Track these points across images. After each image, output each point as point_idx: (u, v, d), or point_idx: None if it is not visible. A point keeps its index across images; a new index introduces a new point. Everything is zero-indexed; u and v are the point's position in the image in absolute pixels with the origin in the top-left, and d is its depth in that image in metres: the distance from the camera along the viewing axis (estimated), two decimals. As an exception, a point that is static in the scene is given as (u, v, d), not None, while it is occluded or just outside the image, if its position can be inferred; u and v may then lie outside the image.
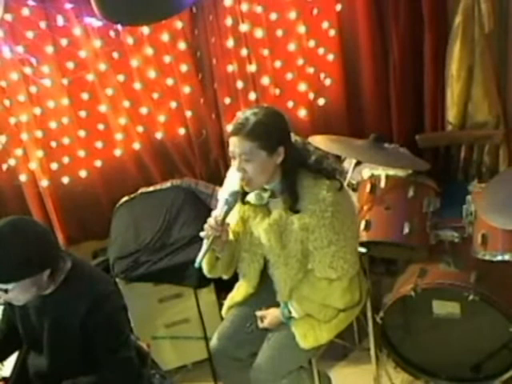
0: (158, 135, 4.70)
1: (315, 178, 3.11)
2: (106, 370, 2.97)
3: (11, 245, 2.77)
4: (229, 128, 3.12)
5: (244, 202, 3.24)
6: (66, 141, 4.55)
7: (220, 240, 3.15)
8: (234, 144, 3.04)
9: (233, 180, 3.22)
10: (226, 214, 3.13)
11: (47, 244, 2.90)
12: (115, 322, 3.01)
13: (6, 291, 2.83)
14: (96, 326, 2.92)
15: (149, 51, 4.41)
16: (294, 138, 3.17)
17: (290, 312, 3.28)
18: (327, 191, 3.07)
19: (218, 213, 3.15)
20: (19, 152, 4.50)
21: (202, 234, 3.12)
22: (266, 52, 4.50)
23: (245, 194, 3.20)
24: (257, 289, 3.44)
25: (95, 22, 4.20)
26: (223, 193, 3.32)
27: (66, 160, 4.60)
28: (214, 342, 3.53)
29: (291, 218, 3.12)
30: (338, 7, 4.50)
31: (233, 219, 3.28)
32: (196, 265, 3.10)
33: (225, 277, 3.44)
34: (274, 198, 3.20)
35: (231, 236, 3.27)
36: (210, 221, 3.11)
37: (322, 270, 3.18)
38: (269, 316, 3.38)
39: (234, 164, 3.09)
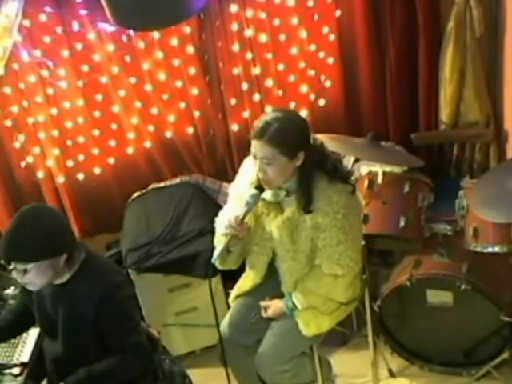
0: (168, 134, 4.69)
1: (329, 180, 3.09)
2: (118, 355, 2.97)
3: (33, 226, 2.81)
4: (251, 131, 3.06)
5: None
6: (81, 139, 4.54)
7: (237, 238, 3.14)
8: (256, 147, 3.01)
9: (247, 175, 3.20)
10: (246, 214, 3.10)
11: (66, 229, 2.95)
12: (126, 310, 3.02)
13: (25, 271, 2.84)
14: (108, 313, 2.93)
15: (159, 55, 4.40)
16: (312, 139, 3.12)
17: (293, 304, 3.28)
18: (340, 194, 3.06)
19: (238, 213, 3.12)
20: (37, 150, 4.50)
21: (221, 232, 3.16)
22: (269, 56, 4.49)
23: (261, 190, 3.17)
24: (263, 280, 3.43)
25: (108, 28, 4.19)
26: (236, 186, 3.30)
27: (81, 157, 4.60)
28: (221, 329, 3.52)
29: (304, 217, 3.11)
30: (338, 13, 4.47)
31: None
32: (213, 260, 3.11)
33: (233, 267, 3.43)
34: (289, 197, 3.19)
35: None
36: (231, 220, 3.09)
37: (329, 267, 3.17)
38: (272, 307, 3.38)
39: (255, 163, 3.05)
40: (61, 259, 2.89)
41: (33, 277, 2.87)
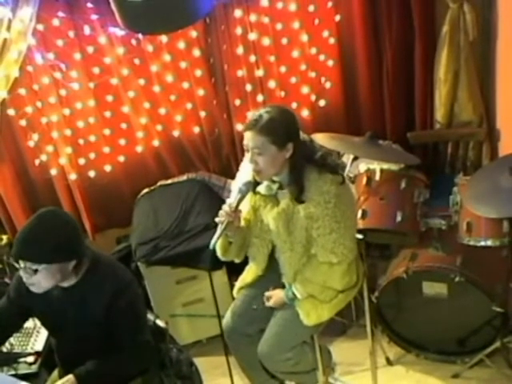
0: (175, 133, 4.69)
1: (320, 172, 3.10)
2: (126, 353, 2.95)
3: (51, 228, 2.77)
4: (243, 124, 3.11)
5: (255, 193, 3.24)
6: (92, 138, 4.55)
7: (233, 225, 3.14)
8: (248, 138, 3.04)
9: (245, 171, 3.22)
10: (239, 201, 3.13)
11: (79, 236, 2.90)
12: (135, 308, 3.00)
13: (35, 271, 2.77)
14: (119, 312, 2.91)
15: (167, 58, 4.41)
16: (301, 136, 3.16)
17: (293, 294, 3.28)
18: (331, 184, 3.07)
19: (232, 200, 3.15)
20: (50, 149, 4.50)
21: (217, 219, 3.12)
22: (272, 58, 4.49)
23: (256, 184, 3.20)
24: (265, 271, 3.43)
25: (118, 32, 4.21)
26: (236, 183, 3.32)
27: (92, 156, 4.61)
28: (226, 319, 3.54)
29: (297, 208, 3.12)
30: (337, 18, 4.47)
31: (245, 208, 3.27)
32: (210, 246, 3.10)
33: (236, 260, 3.43)
34: (282, 190, 3.20)
35: (243, 223, 3.27)
36: (225, 207, 3.11)
37: (324, 255, 3.17)
38: (274, 297, 3.37)
39: (247, 156, 3.09)
40: (70, 264, 2.84)
41: (41, 278, 2.80)
